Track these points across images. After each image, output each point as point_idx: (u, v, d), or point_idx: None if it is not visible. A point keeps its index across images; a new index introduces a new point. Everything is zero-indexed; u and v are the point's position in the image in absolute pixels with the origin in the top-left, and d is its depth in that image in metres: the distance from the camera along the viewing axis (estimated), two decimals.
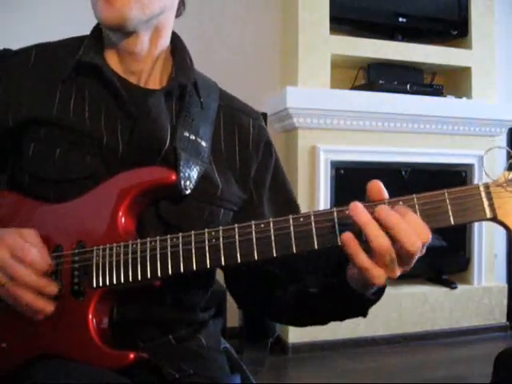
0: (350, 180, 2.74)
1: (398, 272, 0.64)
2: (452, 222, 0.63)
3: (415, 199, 0.64)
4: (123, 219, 0.75)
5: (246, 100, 0.98)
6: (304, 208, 2.58)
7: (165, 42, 0.87)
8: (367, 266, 0.62)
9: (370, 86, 2.77)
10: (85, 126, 0.80)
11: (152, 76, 0.87)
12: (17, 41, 0.95)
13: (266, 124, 1.17)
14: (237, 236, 0.69)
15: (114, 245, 0.73)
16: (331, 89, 2.70)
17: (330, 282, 0.76)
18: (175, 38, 0.91)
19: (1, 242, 0.71)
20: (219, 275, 0.93)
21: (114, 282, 0.72)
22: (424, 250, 0.63)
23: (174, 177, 0.75)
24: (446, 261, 2.96)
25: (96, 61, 0.81)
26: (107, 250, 0.73)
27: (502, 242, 2.98)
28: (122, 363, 0.71)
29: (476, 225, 2.89)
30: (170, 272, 0.71)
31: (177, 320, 0.85)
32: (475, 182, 2.92)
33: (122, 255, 0.72)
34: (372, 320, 2.66)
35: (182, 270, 0.70)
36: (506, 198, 0.62)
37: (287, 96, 2.54)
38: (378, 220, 0.61)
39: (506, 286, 3.05)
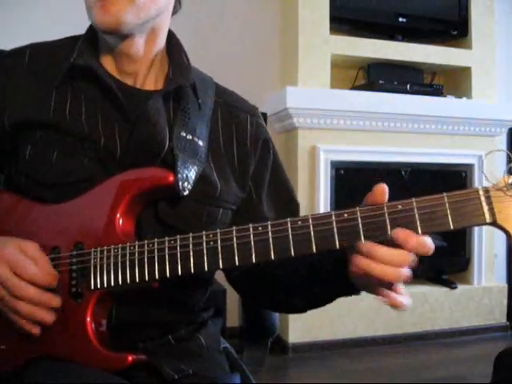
0: (350, 180, 2.74)
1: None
2: (451, 227, 0.63)
3: (414, 203, 0.63)
4: (121, 220, 0.75)
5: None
6: (304, 208, 2.59)
7: (161, 42, 0.86)
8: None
9: (370, 85, 2.77)
10: (82, 128, 0.79)
11: (148, 77, 0.86)
12: (13, 40, 0.95)
13: (266, 124, 1.17)
14: (235, 239, 0.68)
15: (112, 246, 0.73)
16: (331, 89, 2.70)
17: (331, 281, 0.76)
18: (170, 36, 0.90)
19: (1, 255, 0.71)
20: (219, 275, 0.93)
21: (112, 283, 0.72)
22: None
23: (171, 178, 0.75)
24: (446, 261, 2.96)
25: (90, 63, 0.80)
26: (105, 252, 0.73)
27: (502, 242, 2.98)
28: (120, 366, 0.71)
29: None
30: (167, 274, 0.70)
31: (176, 320, 0.85)
32: (475, 182, 2.92)
33: (119, 257, 0.72)
34: (372, 320, 2.66)
35: (179, 272, 0.70)
36: (506, 202, 0.62)
37: (287, 96, 2.54)
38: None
39: (505, 286, 3.05)
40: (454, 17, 2.93)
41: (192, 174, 0.79)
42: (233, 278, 0.92)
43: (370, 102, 2.65)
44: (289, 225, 0.67)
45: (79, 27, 0.88)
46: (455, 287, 2.91)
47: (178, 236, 0.71)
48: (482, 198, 0.62)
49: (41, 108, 0.80)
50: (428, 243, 0.63)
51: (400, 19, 2.82)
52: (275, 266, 0.83)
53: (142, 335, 0.81)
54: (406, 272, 0.64)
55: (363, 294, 0.74)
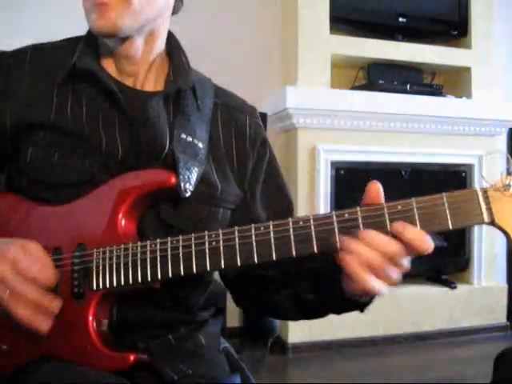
0: (350, 180, 2.74)
1: (397, 277, 0.66)
2: (450, 227, 0.64)
3: (414, 203, 0.64)
4: (123, 221, 0.75)
5: (245, 100, 0.97)
6: (304, 208, 2.58)
7: (160, 44, 0.86)
8: (367, 279, 0.64)
9: (370, 86, 2.77)
10: (83, 130, 0.79)
11: (148, 78, 0.86)
12: (14, 41, 0.95)
13: (265, 124, 1.16)
14: (237, 239, 0.69)
15: (114, 247, 0.73)
16: (331, 89, 2.70)
17: (324, 285, 0.77)
18: (171, 38, 0.90)
19: (3, 257, 0.70)
20: (219, 275, 0.93)
21: (114, 284, 0.72)
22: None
23: (174, 180, 0.75)
24: (446, 261, 2.96)
25: (91, 66, 0.81)
26: (107, 253, 0.73)
27: (502, 242, 2.98)
28: (122, 365, 0.71)
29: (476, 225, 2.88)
30: (170, 275, 0.71)
31: (176, 320, 0.85)
32: (475, 182, 2.93)
33: (122, 258, 0.72)
34: (372, 320, 2.66)
35: (182, 272, 0.70)
36: (504, 202, 0.63)
37: (287, 96, 2.54)
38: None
39: (505, 286, 3.05)
40: (454, 17, 2.93)
41: (193, 175, 0.79)
42: (229, 278, 0.92)
43: (369, 101, 2.65)
44: (290, 225, 0.67)
45: (80, 28, 0.88)
46: (455, 287, 2.91)
47: (181, 236, 0.71)
48: (481, 198, 0.63)
49: (42, 109, 0.80)
50: (425, 237, 0.64)
51: (400, 19, 2.82)
52: (272, 267, 0.83)
53: (142, 335, 0.81)
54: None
55: None
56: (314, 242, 0.66)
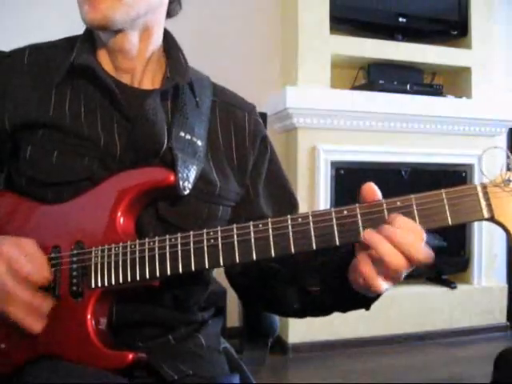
0: (350, 180, 2.74)
1: (401, 278, 0.66)
2: (450, 223, 0.63)
3: (413, 199, 0.64)
4: (122, 219, 0.75)
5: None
6: (304, 208, 2.59)
7: (156, 40, 0.86)
8: (373, 276, 0.65)
9: (370, 85, 2.77)
10: (82, 128, 0.80)
11: (145, 75, 0.86)
12: (12, 40, 0.95)
13: (265, 124, 1.16)
14: (235, 236, 0.69)
15: (113, 245, 0.73)
16: (331, 89, 2.70)
17: (330, 281, 0.77)
18: (168, 37, 0.90)
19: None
20: (219, 275, 0.93)
21: (113, 282, 0.72)
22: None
23: (172, 178, 0.76)
24: (446, 261, 2.96)
25: (89, 62, 0.81)
26: (106, 251, 0.73)
27: (502, 242, 2.98)
28: (120, 364, 0.71)
29: (476, 225, 2.89)
30: (168, 272, 0.71)
31: (176, 319, 0.85)
32: (475, 182, 2.92)
33: (120, 256, 0.72)
34: (372, 320, 2.66)
35: (180, 270, 0.70)
36: (504, 198, 0.63)
37: (287, 96, 2.54)
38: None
39: (506, 286, 3.05)
40: (454, 17, 2.93)
41: (192, 173, 0.79)
42: (234, 274, 0.92)
43: (369, 101, 2.65)
44: (289, 222, 0.67)
45: (78, 26, 0.88)
46: (455, 287, 2.91)
47: (179, 234, 0.71)
48: (480, 194, 0.63)
49: (41, 108, 0.80)
50: (415, 226, 0.63)
51: (400, 19, 2.82)
52: (276, 262, 0.84)
53: (141, 334, 0.81)
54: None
55: None
56: (313, 239, 0.66)
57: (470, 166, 2.94)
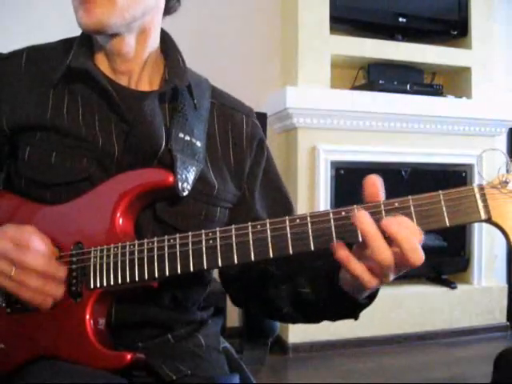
0: (350, 180, 2.73)
1: (392, 277, 0.65)
2: (447, 224, 0.63)
3: (411, 201, 0.64)
4: (121, 220, 0.75)
5: (245, 100, 0.97)
6: (304, 208, 2.58)
7: (153, 42, 0.86)
8: (358, 273, 0.64)
9: (370, 85, 2.77)
10: (80, 129, 0.80)
11: (142, 77, 0.86)
12: (10, 41, 0.95)
13: (265, 124, 1.17)
14: (234, 237, 0.69)
15: (112, 246, 0.73)
16: (331, 89, 2.70)
17: (321, 283, 0.77)
18: (165, 38, 0.90)
19: (3, 234, 0.71)
20: (219, 275, 0.93)
21: (112, 282, 0.72)
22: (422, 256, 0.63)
23: (171, 179, 0.76)
24: (446, 261, 2.96)
25: (86, 66, 0.81)
26: (105, 251, 0.73)
27: (502, 242, 2.95)
28: (119, 364, 0.71)
29: (476, 225, 2.89)
30: (167, 273, 0.71)
31: (175, 319, 0.85)
32: (475, 182, 2.92)
33: (119, 256, 0.72)
34: (372, 320, 2.66)
35: (179, 271, 0.70)
36: (501, 199, 0.63)
37: (287, 96, 2.54)
38: (381, 229, 0.62)
39: (506, 286, 3.05)
40: (454, 17, 2.93)
41: (191, 174, 0.80)
42: (228, 278, 0.92)
43: (369, 101, 2.65)
44: (287, 223, 0.67)
45: (75, 28, 0.88)
46: (455, 287, 2.91)
47: (178, 235, 0.71)
48: (477, 196, 0.63)
49: (39, 110, 0.81)
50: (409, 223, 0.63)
51: (400, 19, 2.82)
52: (271, 264, 0.84)
53: (141, 334, 0.81)
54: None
55: None
56: (311, 240, 0.66)
57: (470, 166, 2.94)
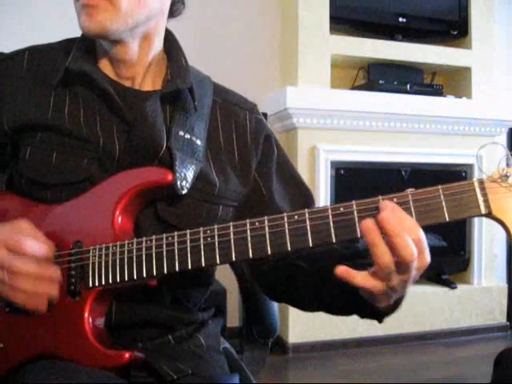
0: (350, 180, 2.74)
1: (396, 280, 0.66)
2: (447, 218, 0.63)
3: (410, 195, 0.64)
4: (120, 219, 0.75)
5: None
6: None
7: (157, 46, 0.86)
8: (363, 284, 0.64)
9: (370, 85, 2.77)
10: (80, 130, 0.80)
11: (146, 79, 0.86)
12: (11, 41, 0.95)
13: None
14: (232, 234, 0.69)
15: (110, 244, 0.73)
16: (331, 89, 2.70)
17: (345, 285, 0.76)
18: (169, 37, 0.90)
19: None
20: (219, 275, 0.93)
21: (110, 281, 0.72)
22: (428, 259, 0.64)
23: (170, 177, 0.76)
24: (446, 261, 2.96)
25: (85, 68, 0.81)
26: (103, 250, 0.73)
27: (502, 242, 2.98)
28: (117, 363, 0.71)
29: (476, 224, 2.89)
30: (165, 271, 0.71)
31: (175, 320, 0.85)
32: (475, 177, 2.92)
33: (117, 255, 0.73)
34: (372, 320, 2.66)
35: (177, 268, 0.70)
36: (501, 193, 0.62)
37: (287, 96, 2.53)
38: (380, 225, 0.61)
39: (506, 285, 3.04)
40: (454, 17, 2.93)
41: (190, 172, 0.79)
42: (261, 273, 0.91)
43: (369, 102, 2.65)
44: (285, 219, 0.67)
45: (76, 28, 0.88)
46: (455, 287, 2.91)
47: (176, 232, 0.71)
48: (477, 190, 0.63)
49: (40, 110, 0.81)
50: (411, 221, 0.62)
51: (400, 19, 2.82)
52: (304, 259, 0.83)
53: (141, 335, 0.81)
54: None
55: None
56: (309, 236, 0.66)
57: (470, 166, 2.94)
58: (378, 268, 0.63)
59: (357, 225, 0.65)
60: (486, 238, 2.93)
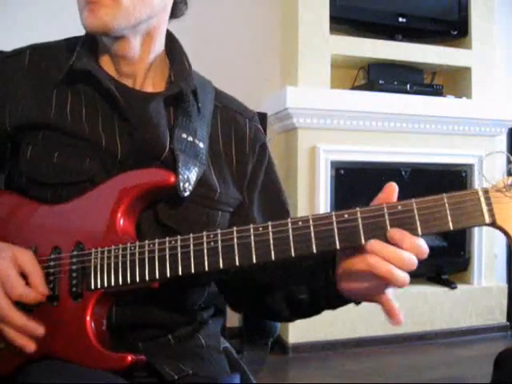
0: (350, 180, 2.74)
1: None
2: (451, 227, 0.63)
3: (414, 203, 0.64)
4: (122, 221, 0.75)
5: (245, 100, 0.97)
6: (304, 208, 2.57)
7: (158, 45, 0.86)
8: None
9: (370, 85, 2.77)
10: (83, 129, 0.79)
11: (147, 79, 0.86)
12: (12, 39, 0.95)
13: (265, 124, 1.16)
14: (235, 239, 0.69)
15: (113, 247, 0.73)
16: (331, 89, 2.70)
17: (319, 290, 0.78)
18: (171, 39, 0.90)
19: None
20: None
21: (113, 283, 0.72)
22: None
23: (173, 179, 0.75)
24: (446, 261, 2.96)
25: (89, 67, 0.80)
26: (106, 252, 0.73)
27: (502, 242, 2.98)
28: (119, 366, 0.71)
29: None
30: (168, 275, 0.70)
31: (176, 320, 0.85)
32: (475, 181, 2.92)
33: (120, 257, 0.72)
34: (372, 320, 2.66)
35: (180, 272, 0.70)
36: (505, 203, 0.62)
37: (287, 96, 2.53)
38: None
39: (506, 285, 3.05)
40: (454, 17, 2.93)
41: (193, 175, 0.79)
42: (223, 283, 0.92)
43: (370, 102, 2.65)
44: (289, 225, 0.67)
45: (79, 27, 0.88)
46: (455, 287, 2.91)
47: (179, 236, 0.71)
48: (482, 199, 0.63)
49: (42, 109, 0.80)
50: (423, 246, 0.64)
51: (400, 19, 2.82)
52: (262, 269, 0.83)
53: (141, 335, 0.81)
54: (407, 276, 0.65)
55: None
56: (313, 242, 0.66)
57: (470, 166, 2.94)
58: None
59: (361, 232, 0.65)
60: (486, 238, 2.93)
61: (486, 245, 2.94)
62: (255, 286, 0.87)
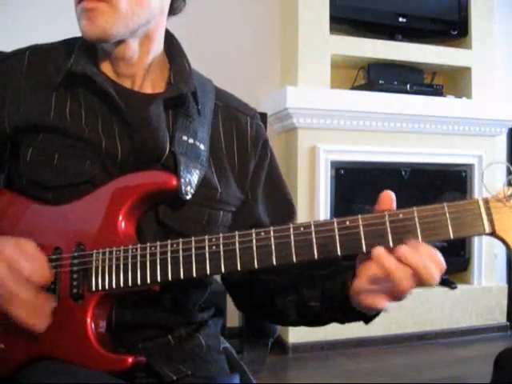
0: (350, 180, 2.74)
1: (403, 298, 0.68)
2: (451, 236, 0.64)
3: (415, 212, 0.64)
4: (123, 223, 0.75)
5: (245, 100, 0.97)
6: (304, 208, 2.57)
7: (157, 46, 0.86)
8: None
9: (370, 85, 2.77)
10: (83, 131, 0.79)
11: (146, 80, 0.85)
12: (12, 40, 0.95)
13: (265, 124, 1.16)
14: (237, 244, 0.69)
15: (114, 249, 0.73)
16: (331, 89, 2.70)
17: (331, 299, 0.77)
18: (171, 40, 0.89)
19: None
20: (219, 276, 0.92)
21: (113, 286, 0.72)
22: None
23: (175, 182, 0.75)
24: (446, 261, 2.91)
25: (86, 70, 0.80)
26: (107, 254, 0.73)
27: None
28: (120, 367, 0.71)
29: None
30: (169, 278, 0.70)
31: (175, 320, 0.85)
32: (475, 182, 2.93)
33: (121, 259, 0.72)
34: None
35: (181, 276, 0.70)
36: (506, 213, 0.62)
37: (287, 96, 2.54)
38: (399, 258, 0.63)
39: (506, 286, 3.05)
40: (454, 17, 2.93)
41: (194, 178, 0.79)
42: (231, 281, 0.92)
43: (370, 102, 2.65)
44: (291, 231, 0.67)
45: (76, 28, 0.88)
46: (455, 287, 2.91)
47: (181, 240, 0.71)
48: (482, 209, 0.63)
49: (41, 111, 0.80)
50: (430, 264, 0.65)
51: (400, 19, 2.82)
52: (278, 271, 0.83)
53: (141, 336, 0.81)
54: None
55: None
56: (315, 249, 0.66)
57: (470, 166, 2.94)
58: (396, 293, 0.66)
59: (362, 239, 0.65)
60: (486, 238, 2.93)
61: (485, 245, 2.95)
62: (267, 287, 0.86)
